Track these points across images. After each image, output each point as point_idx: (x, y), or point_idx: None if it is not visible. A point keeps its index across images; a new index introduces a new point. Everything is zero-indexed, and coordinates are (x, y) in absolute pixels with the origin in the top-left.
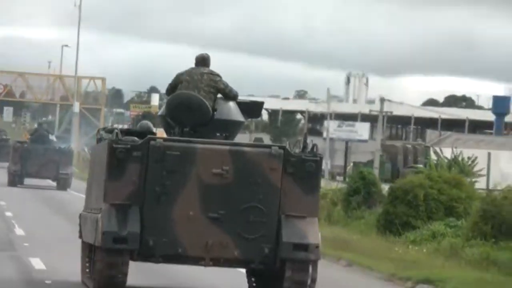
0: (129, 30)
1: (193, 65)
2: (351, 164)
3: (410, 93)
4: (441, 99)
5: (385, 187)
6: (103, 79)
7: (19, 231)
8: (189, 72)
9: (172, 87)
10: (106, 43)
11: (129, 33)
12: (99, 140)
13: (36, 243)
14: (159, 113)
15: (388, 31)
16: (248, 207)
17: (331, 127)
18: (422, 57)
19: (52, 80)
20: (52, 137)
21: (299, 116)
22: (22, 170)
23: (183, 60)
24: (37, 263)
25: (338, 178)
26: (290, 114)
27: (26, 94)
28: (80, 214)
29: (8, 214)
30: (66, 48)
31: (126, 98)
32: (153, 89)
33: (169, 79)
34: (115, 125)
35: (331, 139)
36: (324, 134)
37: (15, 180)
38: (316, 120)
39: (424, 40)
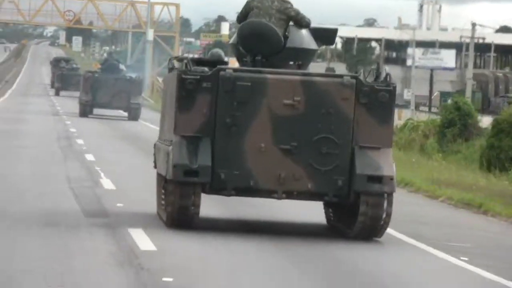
0: None
1: None
2: (436, 93)
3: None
4: None
5: (481, 119)
6: (177, 5)
7: (89, 157)
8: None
9: (243, 15)
10: None
11: None
12: (171, 69)
13: (107, 167)
14: (230, 42)
15: None
16: (321, 138)
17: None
18: None
19: (123, 7)
20: (122, 67)
21: (374, 44)
22: (93, 100)
23: None
24: (107, 184)
25: (421, 108)
26: (365, 42)
27: (97, 21)
28: (155, 144)
29: (80, 142)
30: None
31: (193, 28)
32: (221, 18)
33: (237, 8)
34: (186, 54)
35: (409, 67)
36: (408, 62)
37: (86, 110)
38: (393, 48)
39: None
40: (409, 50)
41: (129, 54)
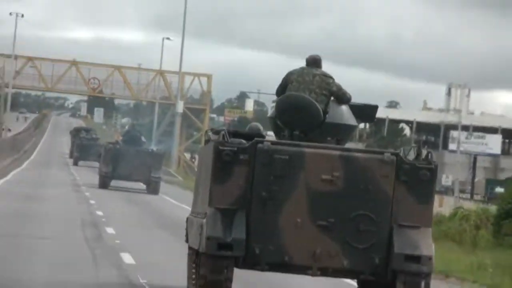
0: (214, 36)
1: (285, 71)
2: (476, 179)
3: (501, 107)
4: None
5: None
6: (209, 76)
7: (110, 230)
8: (300, 73)
9: (282, 87)
10: (192, 48)
11: (214, 38)
12: (207, 141)
13: (127, 240)
14: (269, 115)
15: (476, 43)
16: (358, 215)
17: (451, 139)
18: (509, 71)
19: (151, 76)
20: (144, 139)
21: (403, 126)
22: (113, 172)
23: (269, 66)
24: (128, 258)
25: (461, 195)
26: (396, 123)
27: (123, 91)
28: (187, 218)
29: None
30: (153, 52)
31: (215, 103)
32: (243, 95)
33: (258, 85)
34: (223, 127)
35: (454, 152)
36: (451, 146)
37: (106, 182)
38: (423, 130)
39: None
40: (453, 133)
41: (155, 127)
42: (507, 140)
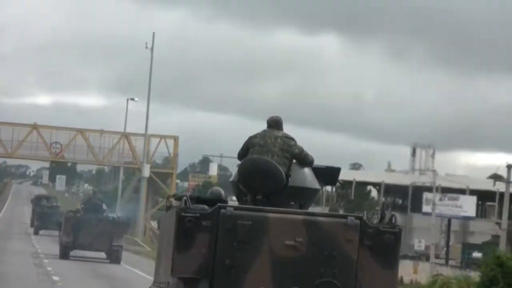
0: (174, 99)
1: (247, 133)
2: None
3: (462, 168)
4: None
5: None
6: (176, 138)
7: None
8: (262, 136)
9: (244, 151)
10: (153, 112)
11: (174, 102)
12: (168, 208)
13: None
14: (231, 179)
15: (439, 103)
16: (323, 282)
17: (425, 201)
18: (471, 132)
19: (116, 139)
20: (105, 207)
21: (369, 188)
22: (74, 241)
23: (231, 129)
24: None
25: (432, 260)
26: (362, 185)
27: (86, 155)
28: None
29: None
30: (116, 116)
31: (178, 168)
32: (206, 159)
33: (221, 149)
34: (185, 192)
35: (428, 214)
36: (425, 208)
37: (67, 252)
38: (391, 193)
39: (473, 113)
40: (425, 195)
41: (120, 193)
42: (479, 202)
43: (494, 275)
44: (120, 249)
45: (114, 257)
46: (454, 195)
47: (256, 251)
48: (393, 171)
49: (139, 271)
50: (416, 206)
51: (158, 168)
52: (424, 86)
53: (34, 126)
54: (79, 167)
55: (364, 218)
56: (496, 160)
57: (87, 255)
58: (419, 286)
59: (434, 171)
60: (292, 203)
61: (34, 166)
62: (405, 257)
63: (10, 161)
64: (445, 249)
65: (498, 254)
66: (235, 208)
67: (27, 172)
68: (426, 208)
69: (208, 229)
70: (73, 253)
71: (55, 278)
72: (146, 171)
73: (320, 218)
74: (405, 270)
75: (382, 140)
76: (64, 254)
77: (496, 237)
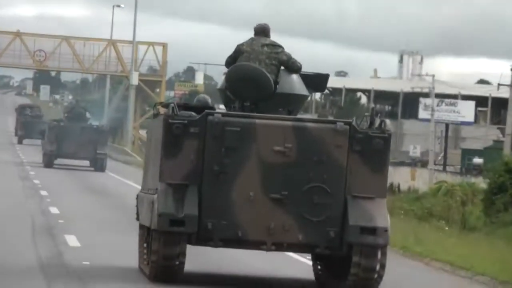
0: (159, 8)
1: (231, 44)
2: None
3: (445, 75)
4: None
5: None
6: (165, 45)
7: (53, 210)
8: (249, 43)
9: (232, 59)
10: (138, 23)
11: (159, 11)
12: (156, 115)
13: (71, 221)
14: (218, 87)
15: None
16: (312, 187)
17: (424, 107)
18: (454, 39)
19: (102, 47)
20: (89, 115)
21: (359, 94)
22: (58, 150)
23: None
24: (72, 241)
25: (431, 167)
26: (351, 92)
27: (71, 63)
28: (137, 195)
29: (45, 195)
30: (101, 26)
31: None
32: (190, 68)
33: (206, 59)
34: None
35: (427, 120)
36: (422, 114)
37: (51, 160)
38: (382, 100)
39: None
40: (423, 101)
41: (107, 102)
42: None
43: (503, 182)
44: (104, 157)
45: (98, 165)
46: (452, 100)
47: (245, 157)
48: (379, 78)
49: (111, 172)
50: (408, 112)
51: (146, 76)
52: None
53: (17, 34)
54: (64, 77)
55: (354, 123)
56: (479, 65)
57: (71, 163)
58: (423, 193)
59: (433, 75)
60: (281, 109)
61: (18, 77)
62: (402, 163)
63: None
64: (441, 155)
65: (507, 160)
66: (223, 114)
67: (11, 83)
68: (422, 114)
69: (196, 135)
70: (57, 161)
71: (43, 193)
72: (135, 79)
73: (309, 124)
74: (402, 176)
75: (366, 48)
76: (48, 163)
77: (497, 143)
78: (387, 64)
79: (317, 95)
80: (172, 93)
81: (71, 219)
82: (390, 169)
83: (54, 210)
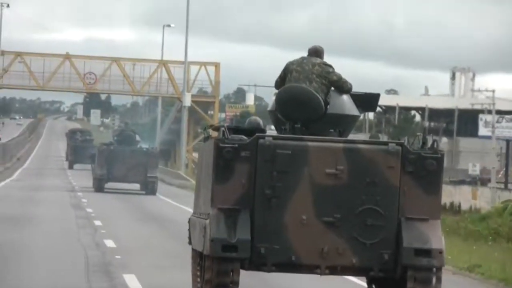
0: (207, 31)
1: (279, 64)
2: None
3: (498, 91)
4: None
5: None
6: (217, 65)
7: (109, 243)
8: (299, 62)
9: (282, 79)
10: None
11: (206, 33)
12: (206, 139)
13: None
14: (269, 109)
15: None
16: (365, 209)
17: (485, 124)
18: (504, 55)
19: (153, 68)
20: (138, 138)
21: (413, 112)
22: (108, 174)
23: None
24: (132, 281)
25: (489, 185)
26: (405, 111)
27: (122, 85)
28: (189, 219)
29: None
30: (149, 49)
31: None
32: (240, 90)
33: (255, 80)
34: (222, 123)
35: (487, 138)
36: (482, 131)
37: (101, 185)
38: (435, 117)
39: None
40: (483, 117)
41: (159, 124)
42: None
43: None
44: (155, 180)
45: (149, 189)
46: None
47: (296, 180)
48: (429, 95)
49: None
50: (464, 130)
51: (199, 97)
52: (456, 8)
53: (67, 56)
54: (114, 101)
55: (406, 144)
56: None
57: (122, 187)
58: (487, 213)
59: (493, 91)
60: (331, 130)
61: (68, 102)
62: (462, 182)
63: (44, 97)
64: (501, 172)
65: None
66: (274, 137)
67: (61, 108)
68: (482, 131)
69: (247, 159)
70: (108, 185)
71: (97, 223)
72: (187, 100)
73: (361, 146)
74: (463, 195)
75: (414, 66)
76: (99, 187)
77: None
78: (437, 81)
79: (370, 114)
80: (223, 115)
81: (128, 253)
82: (451, 188)
83: (109, 243)
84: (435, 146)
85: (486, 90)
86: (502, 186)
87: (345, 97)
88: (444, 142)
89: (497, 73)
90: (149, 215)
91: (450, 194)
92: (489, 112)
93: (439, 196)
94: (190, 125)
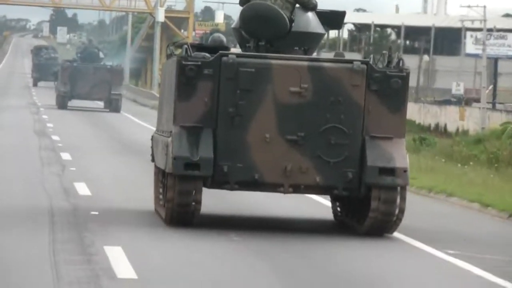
0: None
1: None
2: (490, 87)
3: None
4: None
5: None
6: None
7: (65, 156)
8: None
9: None
10: None
11: None
12: (169, 56)
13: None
14: (233, 26)
15: None
16: (329, 128)
17: (469, 42)
18: None
19: None
20: (102, 55)
21: (389, 31)
22: (72, 91)
23: None
24: (82, 189)
25: (475, 105)
26: (380, 29)
27: (91, 1)
28: (152, 136)
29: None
30: None
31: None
32: (208, 9)
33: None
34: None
35: (477, 56)
36: (469, 49)
37: (64, 102)
38: (412, 36)
39: None
40: (477, 35)
41: (129, 42)
42: None
43: None
44: (119, 97)
45: (113, 106)
46: (502, 33)
47: (260, 98)
48: (401, 14)
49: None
50: (440, 48)
51: (172, 12)
52: None
53: None
54: (81, 19)
55: (371, 62)
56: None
57: (85, 105)
58: (480, 135)
59: (484, 6)
60: (296, 48)
61: (34, 20)
62: (447, 102)
63: (10, 15)
64: (486, 92)
65: None
66: (238, 55)
67: (28, 26)
68: (469, 48)
69: (210, 77)
70: (71, 103)
71: (49, 125)
72: (161, 16)
73: (325, 64)
74: (450, 116)
75: None
76: (62, 104)
77: None
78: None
79: (345, 34)
80: (193, 33)
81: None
82: (436, 108)
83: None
84: (400, 64)
85: (477, 6)
86: (489, 106)
87: (310, 15)
88: (426, 60)
89: None
90: (119, 140)
91: (435, 115)
92: (469, 29)
93: (404, 114)
94: (163, 42)
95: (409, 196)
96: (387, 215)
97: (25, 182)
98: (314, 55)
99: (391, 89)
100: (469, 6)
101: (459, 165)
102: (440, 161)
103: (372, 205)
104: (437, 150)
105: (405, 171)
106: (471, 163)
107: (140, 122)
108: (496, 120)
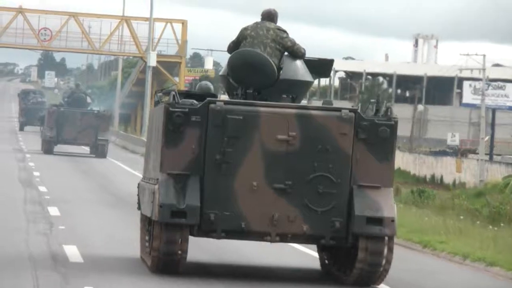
0: None
1: (234, 29)
2: (487, 138)
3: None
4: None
5: None
6: (184, 22)
7: (53, 211)
8: (254, 27)
9: (235, 44)
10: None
11: None
12: (157, 103)
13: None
14: (220, 73)
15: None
16: (317, 176)
17: (467, 91)
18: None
19: (114, 25)
20: (89, 100)
21: (381, 79)
22: (58, 136)
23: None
24: (73, 254)
25: (471, 156)
26: (372, 77)
27: (80, 43)
28: (139, 184)
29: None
30: (111, 4)
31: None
32: (196, 55)
33: (213, 45)
34: (173, 87)
35: (474, 106)
36: (466, 99)
37: (50, 146)
38: (404, 84)
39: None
40: (476, 84)
41: (119, 87)
42: None
43: None
44: (106, 143)
45: (99, 151)
46: (500, 83)
47: (247, 146)
48: (391, 63)
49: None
50: (432, 97)
51: (164, 57)
52: None
53: (19, 10)
54: (69, 63)
55: (359, 111)
56: (485, 49)
57: (71, 150)
58: (481, 188)
59: (483, 55)
60: (284, 96)
61: (22, 64)
62: (443, 153)
63: None
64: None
65: None
66: (225, 102)
67: (15, 70)
68: (467, 98)
69: (197, 124)
70: (57, 148)
71: (36, 173)
72: (153, 60)
73: (313, 111)
74: (446, 168)
75: (372, 33)
76: (48, 149)
77: None
78: (397, 49)
79: (336, 82)
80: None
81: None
82: (432, 159)
83: (53, 211)
84: (388, 113)
85: (476, 55)
86: (487, 158)
87: (299, 63)
88: (420, 110)
89: (460, 41)
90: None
91: (431, 166)
92: (464, 79)
93: (392, 163)
94: (154, 87)
95: (442, 263)
96: (374, 266)
97: (7, 243)
98: (304, 102)
99: (379, 137)
100: (467, 55)
101: (490, 226)
102: (465, 220)
103: (359, 255)
104: (437, 204)
105: (392, 220)
106: (501, 224)
107: (130, 170)
108: (494, 172)
